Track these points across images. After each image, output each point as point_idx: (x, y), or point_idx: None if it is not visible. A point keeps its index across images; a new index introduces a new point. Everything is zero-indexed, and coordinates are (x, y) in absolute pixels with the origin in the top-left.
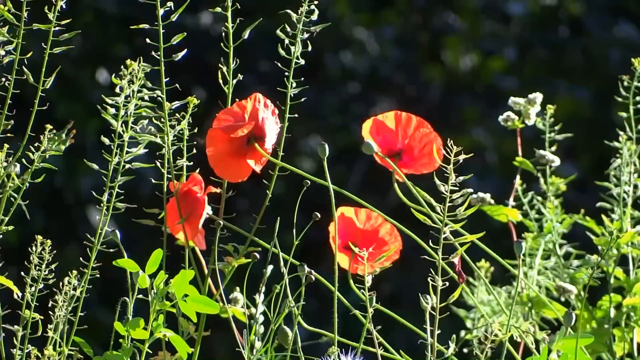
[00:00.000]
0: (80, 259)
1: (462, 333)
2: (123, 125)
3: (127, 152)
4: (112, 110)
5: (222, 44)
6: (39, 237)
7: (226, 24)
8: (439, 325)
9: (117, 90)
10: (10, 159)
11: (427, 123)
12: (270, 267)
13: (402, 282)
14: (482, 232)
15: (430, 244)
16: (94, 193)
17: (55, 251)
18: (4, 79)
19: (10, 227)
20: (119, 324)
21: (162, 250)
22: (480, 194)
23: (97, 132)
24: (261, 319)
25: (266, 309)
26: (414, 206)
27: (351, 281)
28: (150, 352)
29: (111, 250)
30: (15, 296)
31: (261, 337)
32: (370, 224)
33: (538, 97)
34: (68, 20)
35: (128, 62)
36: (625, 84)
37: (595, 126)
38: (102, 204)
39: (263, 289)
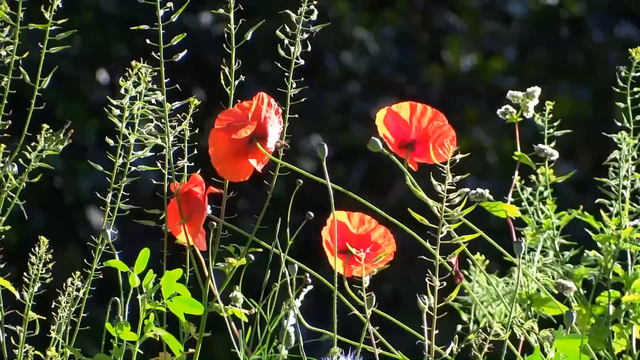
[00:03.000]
0: (83, 260)
1: (458, 327)
2: (130, 127)
3: (133, 154)
4: (116, 112)
5: (222, 45)
6: (44, 239)
7: (228, 24)
8: (437, 323)
9: (122, 91)
10: (8, 158)
11: (442, 115)
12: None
13: (403, 282)
14: (479, 233)
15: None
16: (97, 194)
17: (55, 252)
18: (2, 79)
19: (7, 227)
20: (109, 325)
21: (148, 250)
22: (479, 190)
23: (97, 132)
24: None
25: (262, 310)
26: (420, 195)
27: (347, 285)
28: (142, 352)
29: (114, 252)
30: (19, 297)
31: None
32: (364, 228)
33: (536, 90)
34: (65, 20)
35: (133, 63)
36: (623, 74)
37: (595, 126)
38: (105, 205)
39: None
